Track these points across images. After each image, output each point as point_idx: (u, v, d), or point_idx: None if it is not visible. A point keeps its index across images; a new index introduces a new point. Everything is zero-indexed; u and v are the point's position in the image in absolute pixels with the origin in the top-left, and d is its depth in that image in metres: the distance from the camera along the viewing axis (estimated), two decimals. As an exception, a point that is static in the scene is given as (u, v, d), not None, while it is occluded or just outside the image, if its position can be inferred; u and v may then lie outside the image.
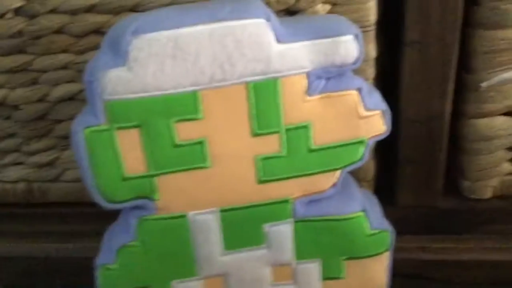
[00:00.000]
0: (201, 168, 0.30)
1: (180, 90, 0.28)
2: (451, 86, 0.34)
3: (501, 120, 0.35)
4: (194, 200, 0.31)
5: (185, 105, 0.28)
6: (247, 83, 0.28)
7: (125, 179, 0.30)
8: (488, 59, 0.33)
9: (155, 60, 0.27)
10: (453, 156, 0.38)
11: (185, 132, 0.29)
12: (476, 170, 0.38)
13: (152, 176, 0.30)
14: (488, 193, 0.39)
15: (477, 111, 0.35)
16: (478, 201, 0.39)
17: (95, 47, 0.34)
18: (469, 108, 0.35)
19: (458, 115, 0.36)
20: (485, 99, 0.34)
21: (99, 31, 0.34)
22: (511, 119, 0.35)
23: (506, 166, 0.37)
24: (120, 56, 0.27)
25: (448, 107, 0.35)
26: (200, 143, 0.29)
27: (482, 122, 0.36)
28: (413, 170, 0.38)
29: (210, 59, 0.27)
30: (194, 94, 0.28)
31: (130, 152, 0.29)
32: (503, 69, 0.33)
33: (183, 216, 0.31)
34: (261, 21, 0.27)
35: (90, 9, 0.33)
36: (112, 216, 0.33)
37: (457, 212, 0.40)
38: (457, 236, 0.40)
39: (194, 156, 0.30)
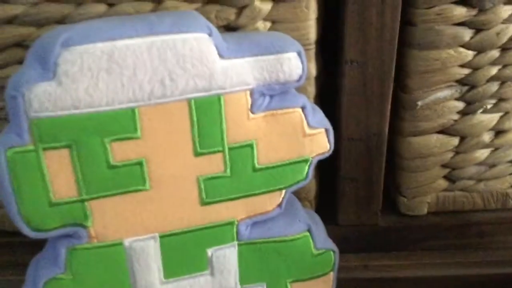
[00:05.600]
0: (139, 190, 0.28)
1: (116, 107, 0.26)
2: (388, 104, 0.35)
3: (435, 138, 0.36)
4: (132, 225, 0.29)
5: (122, 123, 0.26)
6: (189, 99, 0.27)
7: (53, 204, 0.27)
8: (423, 79, 0.34)
9: (87, 74, 0.25)
10: (390, 173, 0.39)
11: (121, 152, 0.27)
12: (413, 187, 0.39)
13: (84, 200, 0.27)
14: (424, 210, 0.40)
15: (413, 129, 0.36)
16: (415, 217, 0.40)
17: (18, 61, 0.31)
18: (405, 126, 0.36)
19: (394, 133, 0.37)
20: (421, 117, 0.35)
21: (21, 44, 0.31)
22: (445, 137, 0.36)
23: (441, 183, 0.39)
24: (48, 70, 0.25)
25: (386, 126, 0.36)
26: (139, 164, 0.27)
27: (418, 140, 0.36)
28: (353, 189, 0.38)
29: (149, 74, 0.26)
30: (131, 111, 0.26)
31: (59, 174, 0.27)
32: (437, 88, 0.34)
33: (119, 244, 0.29)
34: (203, 35, 0.26)
35: (11, 20, 0.30)
36: (37, 245, 0.30)
37: (395, 229, 0.40)
38: (396, 253, 0.41)
39: (131, 178, 0.28)
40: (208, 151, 0.28)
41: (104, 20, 0.27)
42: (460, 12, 0.32)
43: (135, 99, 0.26)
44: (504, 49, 0.34)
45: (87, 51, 0.25)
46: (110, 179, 0.27)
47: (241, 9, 0.31)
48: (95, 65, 0.25)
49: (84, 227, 0.28)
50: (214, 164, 0.29)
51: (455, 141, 0.37)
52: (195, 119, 0.27)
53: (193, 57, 0.26)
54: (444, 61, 0.33)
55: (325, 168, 0.38)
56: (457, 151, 0.37)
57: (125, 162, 0.27)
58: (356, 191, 0.38)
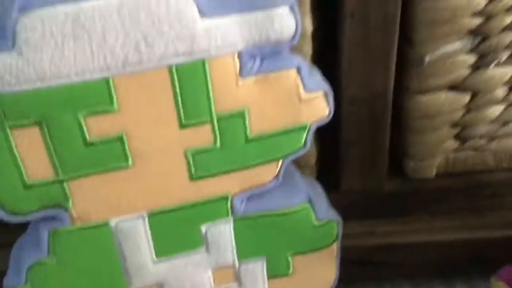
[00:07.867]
0: (121, 168, 0.26)
1: (86, 77, 0.23)
2: (393, 61, 0.32)
3: (445, 95, 0.34)
4: (117, 205, 0.27)
5: (95, 95, 0.24)
6: (169, 66, 0.24)
7: (28, 186, 0.25)
8: (430, 31, 0.31)
9: (51, 42, 0.22)
10: (396, 135, 0.36)
11: (98, 127, 0.25)
12: (420, 148, 0.36)
13: (62, 181, 0.25)
14: (432, 172, 0.38)
15: (421, 86, 0.33)
16: (423, 181, 0.38)
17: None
18: (412, 83, 0.33)
19: (400, 91, 0.34)
20: (429, 73, 0.33)
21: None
22: (456, 94, 0.34)
23: (450, 143, 0.36)
24: (6, 39, 0.22)
25: (391, 84, 0.33)
26: (119, 139, 0.25)
27: (426, 98, 0.34)
28: (356, 153, 0.36)
29: (121, 39, 0.23)
30: (105, 81, 0.24)
31: (31, 155, 0.24)
32: (446, 41, 0.31)
33: (104, 225, 0.27)
34: (181, -9, 0.23)
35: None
36: (21, 225, 0.28)
37: (402, 193, 0.38)
38: (404, 218, 0.39)
39: (111, 154, 0.25)
40: (194, 122, 0.26)
41: (68, -22, 0.24)
42: (472, -47, 0.29)
43: (108, 67, 0.23)
44: (521, -6, 0.30)
45: (49, 15, 0.22)
46: (88, 157, 0.25)
47: (225, -40, 0.27)
48: (59, 31, 0.22)
49: (65, 208, 0.26)
50: (202, 136, 0.26)
51: (466, 98, 0.34)
52: (177, 87, 0.25)
53: (170, 17, 0.23)
54: (454, 10, 0.30)
55: (326, 131, 0.36)
56: (468, 108, 0.35)
57: (103, 138, 0.25)
58: (360, 155, 0.36)
